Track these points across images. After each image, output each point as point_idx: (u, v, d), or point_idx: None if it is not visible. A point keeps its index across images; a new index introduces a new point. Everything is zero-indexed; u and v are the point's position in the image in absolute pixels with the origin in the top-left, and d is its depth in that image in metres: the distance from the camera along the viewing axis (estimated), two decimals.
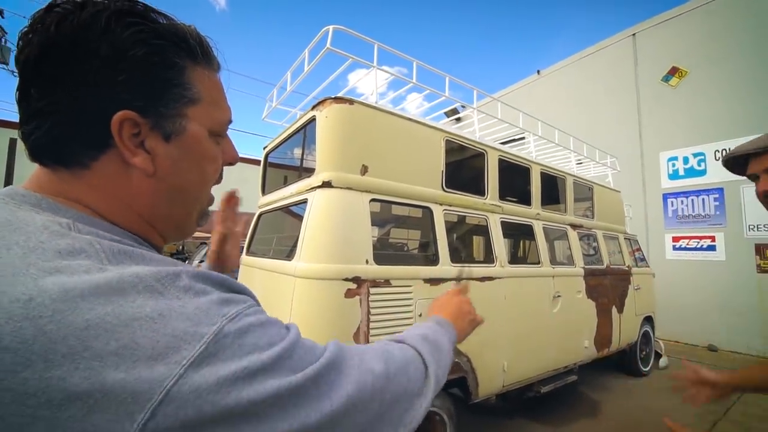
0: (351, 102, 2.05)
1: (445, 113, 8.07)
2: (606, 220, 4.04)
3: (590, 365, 3.73)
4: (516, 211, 2.93)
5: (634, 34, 7.23)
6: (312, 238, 1.89)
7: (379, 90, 2.32)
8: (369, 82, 2.34)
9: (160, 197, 0.45)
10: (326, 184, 1.96)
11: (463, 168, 2.87)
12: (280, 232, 2.74)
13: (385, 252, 2.48)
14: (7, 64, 15.59)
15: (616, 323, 3.75)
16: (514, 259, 4.48)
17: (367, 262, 1.93)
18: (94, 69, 0.38)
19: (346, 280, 1.83)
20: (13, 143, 16.45)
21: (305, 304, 1.81)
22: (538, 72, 8.19)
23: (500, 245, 2.65)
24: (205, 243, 11.52)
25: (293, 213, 2.42)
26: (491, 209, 2.70)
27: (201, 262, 7.55)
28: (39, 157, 0.41)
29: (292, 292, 1.86)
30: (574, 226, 3.49)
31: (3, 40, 15.44)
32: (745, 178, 0.97)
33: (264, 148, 3.10)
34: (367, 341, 1.85)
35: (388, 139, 2.19)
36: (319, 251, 1.86)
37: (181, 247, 16.92)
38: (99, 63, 0.38)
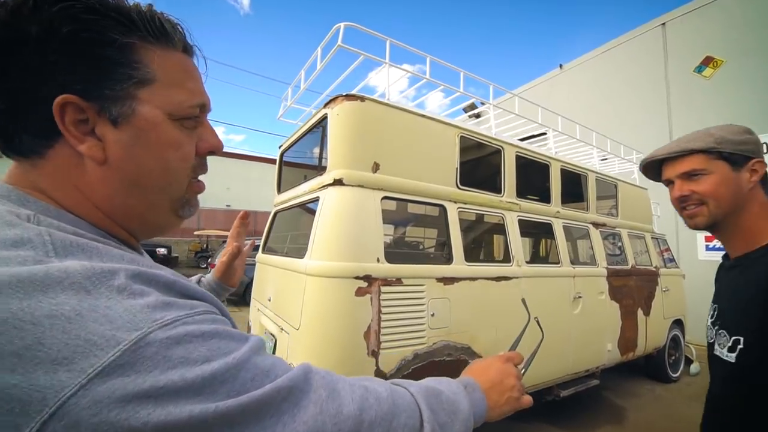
0: (362, 99, 2.03)
1: (463, 109, 7.94)
2: (631, 218, 3.87)
3: (614, 370, 3.59)
4: (534, 209, 2.84)
5: (663, 24, 6.89)
6: (323, 236, 1.88)
7: (400, 88, 2.29)
8: (389, 80, 2.31)
9: (115, 187, 0.42)
10: (337, 182, 1.95)
11: (479, 165, 2.81)
12: (295, 230, 2.75)
13: (397, 250, 2.45)
14: None
15: (641, 326, 3.58)
16: (533, 258, 4.36)
17: (378, 260, 1.91)
18: (29, 53, 0.36)
19: (357, 278, 1.82)
20: None
21: (316, 303, 1.80)
22: (561, 66, 7.94)
23: (517, 244, 2.58)
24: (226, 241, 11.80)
25: (307, 211, 2.43)
26: (508, 207, 2.63)
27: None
28: (1, 149, 0.40)
29: (303, 290, 1.86)
30: (596, 225, 3.36)
31: None
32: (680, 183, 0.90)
33: (279, 147, 3.13)
34: (378, 341, 1.83)
35: (401, 136, 2.16)
36: (329, 249, 1.85)
37: (205, 246, 17.46)
38: (32, 46, 0.36)
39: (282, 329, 2.10)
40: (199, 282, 0.88)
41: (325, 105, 2.14)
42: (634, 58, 7.16)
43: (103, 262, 0.35)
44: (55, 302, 0.29)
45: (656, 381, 4.16)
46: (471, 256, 3.93)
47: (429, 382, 0.57)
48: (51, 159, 0.39)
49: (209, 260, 9.58)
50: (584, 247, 3.51)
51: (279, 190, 3.05)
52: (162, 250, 13.46)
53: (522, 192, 2.78)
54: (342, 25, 2.09)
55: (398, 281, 1.96)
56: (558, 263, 2.86)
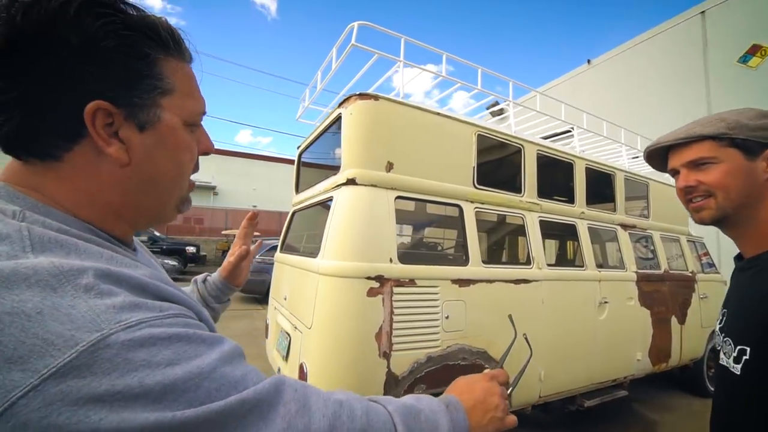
0: (376, 98, 2.01)
1: (487, 108, 7.80)
2: (664, 220, 3.65)
3: (646, 381, 3.39)
4: (557, 210, 2.73)
5: (702, 12, 6.48)
6: (335, 236, 1.88)
7: (425, 89, 2.25)
8: (414, 82, 2.29)
9: (133, 187, 0.45)
10: (350, 182, 1.94)
11: (498, 164, 2.73)
12: (311, 230, 2.77)
13: (411, 251, 2.42)
14: None
15: (676, 335, 3.36)
16: (557, 261, 4.20)
17: (391, 260, 1.88)
18: (64, 59, 0.38)
19: (369, 278, 1.80)
20: None
21: (327, 302, 1.80)
22: (589, 62, 7.62)
23: (538, 246, 2.48)
24: (253, 239, 12.10)
25: (323, 211, 2.44)
26: (528, 207, 2.53)
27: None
28: (11, 150, 0.41)
29: (316, 289, 1.86)
30: (625, 227, 3.19)
31: None
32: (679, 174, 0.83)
33: (297, 148, 3.17)
34: (390, 343, 1.80)
35: (416, 134, 2.12)
36: (341, 249, 1.84)
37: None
38: (68, 53, 0.38)
39: (296, 328, 2.11)
40: (204, 281, 0.89)
41: (340, 105, 2.14)
42: (670, 51, 6.77)
43: (79, 259, 0.36)
44: (18, 299, 0.29)
45: (693, 395, 3.89)
46: (489, 257, 3.84)
47: (408, 399, 0.56)
48: (69, 160, 0.41)
49: None
50: (612, 250, 3.34)
51: (297, 190, 3.08)
52: (191, 249, 13.98)
53: (544, 192, 2.67)
54: (356, 24, 2.08)
55: (411, 282, 1.92)
56: (582, 266, 2.73)
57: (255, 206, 21.08)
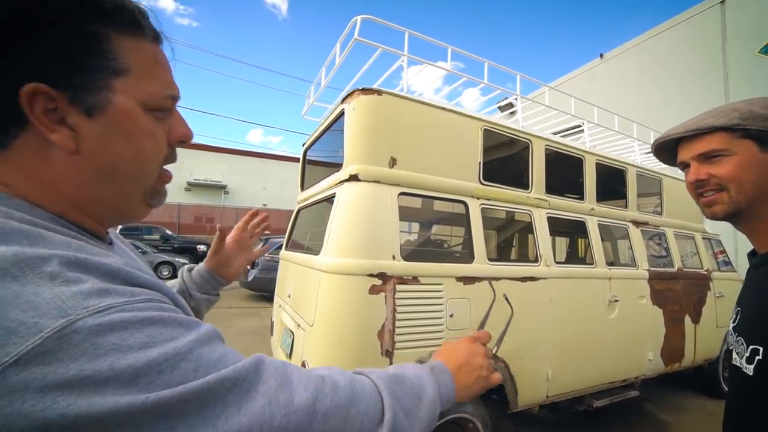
0: (379, 93, 1.99)
1: (499, 107, 7.70)
2: (678, 216, 3.54)
3: (658, 381, 3.31)
4: (566, 206, 2.67)
5: (722, 1, 6.25)
6: (337, 233, 1.86)
7: (436, 86, 2.23)
8: (423, 80, 2.26)
9: (87, 177, 0.42)
10: (353, 178, 1.93)
11: (505, 160, 2.68)
12: (315, 227, 2.77)
13: (414, 248, 2.39)
14: None
15: (689, 335, 3.27)
16: (567, 258, 4.12)
17: (393, 257, 1.86)
18: None
19: (371, 275, 1.78)
20: None
21: (329, 300, 1.79)
22: (601, 56, 7.45)
23: (545, 243, 2.43)
24: (264, 238, 12.25)
25: (327, 208, 2.43)
26: (536, 204, 2.48)
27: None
28: None
29: (318, 286, 1.85)
30: (636, 224, 3.10)
31: None
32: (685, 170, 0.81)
33: (303, 145, 3.16)
34: (393, 341, 1.78)
35: (420, 130, 2.09)
36: (343, 246, 1.83)
37: None
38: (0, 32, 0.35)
39: (299, 325, 2.11)
40: (190, 269, 0.87)
41: (343, 100, 2.12)
42: (687, 42, 6.57)
43: (45, 248, 0.35)
44: None
45: (708, 396, 3.79)
46: (496, 255, 3.79)
47: (392, 368, 0.56)
48: (16, 148, 0.39)
49: None
50: (623, 247, 3.26)
51: (302, 188, 3.08)
52: (202, 247, 14.17)
53: (552, 188, 2.62)
54: (359, 18, 2.06)
55: (415, 279, 1.90)
56: (592, 264, 2.67)
57: (265, 204, 21.26)
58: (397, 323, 1.81)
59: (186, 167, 21.50)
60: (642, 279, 2.95)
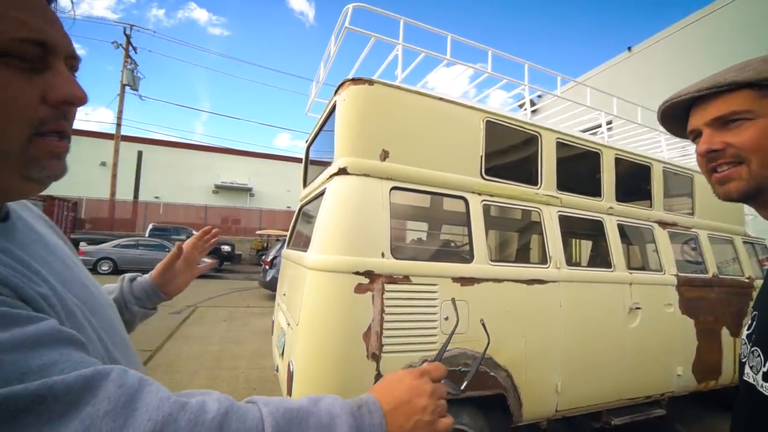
0: (371, 82, 1.90)
1: (519, 106, 7.43)
2: (714, 218, 3.22)
3: (689, 400, 3.00)
4: (581, 204, 2.46)
5: None
6: (324, 229, 1.78)
7: (462, 87, 2.12)
8: (445, 77, 2.17)
9: None
10: (341, 171, 1.84)
11: (511, 153, 2.51)
12: (312, 225, 2.70)
13: (407, 245, 2.27)
14: (136, 89, 18.75)
15: (727, 349, 2.95)
16: (580, 261, 3.85)
17: (383, 255, 1.75)
18: None
19: (357, 273, 1.68)
20: (140, 154, 19.77)
21: (313, 298, 1.70)
22: (629, 49, 7.03)
23: (556, 243, 2.24)
24: (279, 240, 12.44)
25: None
26: (546, 201, 2.30)
27: (275, 258, 8.10)
28: None
29: (304, 284, 1.77)
30: (663, 224, 2.83)
31: (135, 70, 18.64)
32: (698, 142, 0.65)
33: (306, 142, 3.12)
34: (380, 343, 1.67)
35: (416, 121, 1.98)
36: (329, 242, 1.74)
37: (266, 244, 18.60)
38: None
39: (289, 324, 2.04)
40: (133, 279, 0.83)
41: (335, 92, 2.05)
42: (724, 31, 6.07)
43: None
44: None
45: None
46: (500, 255, 3.58)
47: (303, 400, 0.46)
48: None
49: (263, 257, 10.12)
50: (648, 250, 2.99)
51: (304, 185, 3.03)
52: (226, 248, 14.54)
53: (566, 184, 2.43)
54: (350, 6, 1.98)
55: (406, 279, 1.78)
56: (610, 267, 2.45)
57: (288, 207, 21.62)
58: (385, 325, 1.70)
59: (214, 170, 22.28)
60: (669, 285, 2.68)
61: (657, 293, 2.59)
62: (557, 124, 3.19)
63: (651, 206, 2.83)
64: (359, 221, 1.76)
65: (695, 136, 0.64)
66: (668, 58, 6.35)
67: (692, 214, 3.10)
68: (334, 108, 2.12)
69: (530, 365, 2.02)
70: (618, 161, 2.64)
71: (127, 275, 0.83)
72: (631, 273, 2.48)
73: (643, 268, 2.95)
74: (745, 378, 0.59)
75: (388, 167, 1.88)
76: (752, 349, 0.58)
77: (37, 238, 0.51)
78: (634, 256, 3.64)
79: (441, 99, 2.06)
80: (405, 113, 1.95)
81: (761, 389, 0.54)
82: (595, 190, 2.57)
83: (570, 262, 3.71)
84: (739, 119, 0.57)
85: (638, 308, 2.44)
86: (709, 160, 0.61)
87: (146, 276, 0.84)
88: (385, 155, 1.88)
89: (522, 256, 3.44)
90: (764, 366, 0.54)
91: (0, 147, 0.39)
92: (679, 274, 2.74)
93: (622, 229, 2.60)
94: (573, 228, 3.24)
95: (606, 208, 2.54)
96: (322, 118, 2.42)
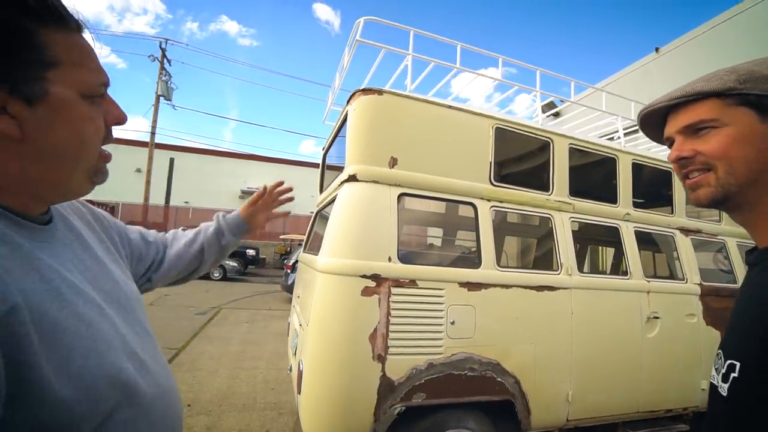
0: (380, 92, 1.97)
1: (542, 109, 7.30)
2: None
3: None
4: (595, 210, 2.43)
5: None
6: (334, 233, 1.85)
7: (486, 93, 2.18)
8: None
9: (30, 160, 0.46)
10: (351, 178, 1.91)
11: (522, 160, 2.51)
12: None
13: (414, 250, 2.30)
14: (170, 99, 19.68)
15: None
16: (593, 268, 3.74)
17: (389, 259, 1.80)
18: None
19: (364, 277, 1.74)
20: (171, 161, 20.71)
21: (322, 300, 1.77)
22: (657, 50, 6.79)
23: (567, 249, 2.22)
24: (301, 244, 12.69)
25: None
26: (557, 207, 2.29)
27: (296, 262, 8.29)
28: None
29: (314, 286, 1.85)
30: (686, 231, 2.73)
31: (169, 81, 19.62)
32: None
33: (322, 149, 3.22)
34: (386, 345, 1.72)
35: (424, 129, 2.03)
36: (338, 246, 1.81)
37: (289, 249, 19.02)
38: None
39: (301, 325, 2.12)
40: (225, 215, 1.05)
41: (348, 102, 2.13)
42: (756, 29, 5.74)
43: None
44: None
45: None
46: (512, 261, 3.53)
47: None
48: None
49: (285, 261, 10.36)
50: (670, 258, 2.89)
51: (321, 190, 3.13)
52: (251, 252, 14.99)
53: (580, 190, 2.40)
54: (361, 20, 2.06)
55: (412, 283, 1.82)
56: (626, 275, 2.39)
57: (311, 212, 22.01)
58: (391, 327, 1.74)
59: (240, 176, 23.02)
60: (692, 294, 2.58)
61: (678, 303, 2.50)
62: (572, 129, 3.14)
63: (672, 212, 2.74)
64: (367, 226, 1.82)
65: (670, 143, 0.67)
66: (698, 59, 6.08)
67: (719, 221, 2.97)
68: (346, 117, 2.20)
69: (539, 372, 2.00)
70: (636, 167, 2.58)
71: (221, 212, 1.05)
72: (648, 281, 2.41)
73: (662, 276, 2.85)
74: (711, 379, 0.60)
75: (396, 174, 1.93)
76: (718, 351, 0.60)
77: (75, 237, 0.59)
78: (654, 263, 3.52)
79: (449, 107, 2.10)
80: (414, 121, 2.01)
81: (720, 390, 0.56)
82: (611, 196, 2.52)
83: (585, 269, 3.63)
84: (706, 127, 0.59)
85: (657, 318, 2.36)
86: (681, 167, 0.63)
87: (236, 211, 1.07)
88: (393, 162, 1.94)
89: (533, 262, 3.39)
90: (723, 368, 0.56)
91: (87, 164, 0.52)
92: (704, 283, 2.64)
93: (640, 235, 2.53)
94: (588, 235, 3.18)
95: (622, 215, 2.49)
96: (337, 126, 2.51)
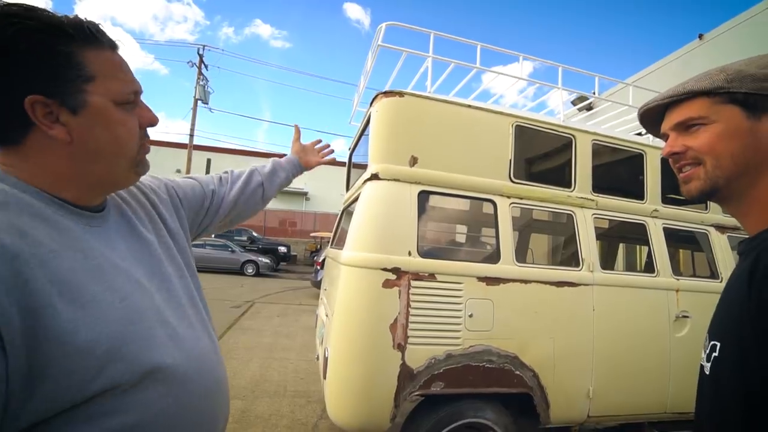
0: (401, 94, 2.05)
1: (572, 102, 7.08)
2: None
3: None
4: (620, 207, 2.39)
5: None
6: (357, 229, 1.96)
7: (519, 87, 2.21)
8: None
9: (80, 159, 0.57)
10: (374, 177, 2.01)
11: (544, 157, 2.51)
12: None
13: (434, 245, 2.37)
14: (207, 103, 20.58)
15: None
16: (627, 265, 3.62)
17: (409, 253, 1.89)
18: None
19: (385, 270, 1.84)
20: (209, 162, 21.72)
21: (346, 291, 1.89)
22: (701, 36, 6.40)
23: (589, 246, 2.21)
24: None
25: None
26: (580, 203, 2.28)
27: (325, 259, 8.56)
28: None
29: (339, 279, 1.97)
30: (721, 228, 2.63)
31: (206, 86, 20.56)
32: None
33: (349, 149, 3.36)
34: (405, 335, 1.81)
35: (444, 128, 2.10)
36: (361, 241, 1.92)
37: (319, 246, 19.51)
38: None
39: (327, 315, 2.25)
40: (280, 157, 1.23)
41: (371, 104, 2.23)
42: None
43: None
44: None
45: None
46: (531, 256, 3.49)
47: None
48: (28, 144, 0.55)
49: (315, 258, 10.66)
50: (705, 255, 2.78)
51: (347, 188, 3.26)
52: (283, 249, 15.56)
53: (605, 187, 2.38)
54: (384, 25, 2.16)
55: (431, 276, 1.90)
56: (653, 272, 2.34)
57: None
58: (411, 318, 1.83)
59: None
60: None
61: (710, 302, 2.40)
62: (600, 124, 3.08)
63: (707, 209, 2.64)
64: (388, 222, 1.92)
65: (665, 138, 0.72)
66: (743, 45, 5.66)
67: None
68: (370, 118, 2.31)
69: (559, 367, 2.02)
70: (666, 163, 2.50)
71: (274, 158, 1.22)
72: (677, 279, 2.35)
73: (696, 275, 2.74)
74: (700, 361, 0.65)
75: (416, 172, 2.01)
76: (706, 334, 0.65)
77: (125, 221, 0.69)
78: (691, 261, 3.38)
79: (468, 106, 2.15)
80: (434, 121, 2.08)
81: (705, 370, 0.61)
82: (638, 192, 2.47)
83: (616, 266, 3.53)
84: (696, 124, 0.64)
85: (686, 317, 2.30)
86: (674, 162, 0.69)
87: (289, 155, 1.26)
88: (414, 161, 2.02)
89: (560, 258, 3.36)
90: (707, 348, 0.61)
91: (128, 155, 0.62)
92: None
93: (670, 232, 2.47)
94: (615, 232, 3.11)
95: (650, 211, 2.44)
96: (362, 127, 2.62)
